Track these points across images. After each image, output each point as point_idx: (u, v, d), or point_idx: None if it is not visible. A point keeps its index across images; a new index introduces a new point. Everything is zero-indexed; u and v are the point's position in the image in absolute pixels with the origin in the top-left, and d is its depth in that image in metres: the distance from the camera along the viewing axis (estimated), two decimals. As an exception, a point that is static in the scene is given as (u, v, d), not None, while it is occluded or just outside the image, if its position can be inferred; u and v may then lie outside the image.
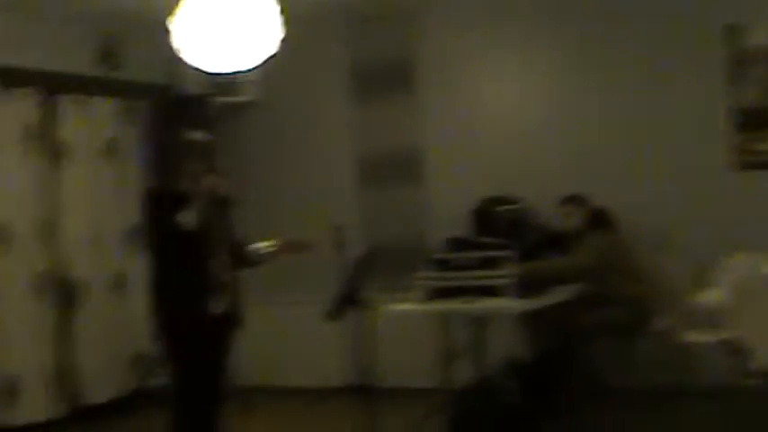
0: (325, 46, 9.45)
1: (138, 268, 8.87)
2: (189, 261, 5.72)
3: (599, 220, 7.80)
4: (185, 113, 8.73)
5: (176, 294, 5.74)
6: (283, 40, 6.12)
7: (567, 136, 8.51)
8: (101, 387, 8.69)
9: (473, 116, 8.87)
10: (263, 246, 6.05)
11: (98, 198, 8.86)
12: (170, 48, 5.94)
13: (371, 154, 9.27)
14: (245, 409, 8.61)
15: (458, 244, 7.49)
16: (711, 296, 7.27)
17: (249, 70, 7.68)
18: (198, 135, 5.95)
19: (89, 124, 8.82)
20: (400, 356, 8.39)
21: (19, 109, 8.21)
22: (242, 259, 6.08)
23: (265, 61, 6.60)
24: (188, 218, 5.61)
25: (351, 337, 8.53)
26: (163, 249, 5.80)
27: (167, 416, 5.88)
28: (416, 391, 8.37)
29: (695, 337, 7.45)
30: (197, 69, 8.47)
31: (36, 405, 8.09)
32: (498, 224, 8.12)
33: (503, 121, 8.75)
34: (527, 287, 6.92)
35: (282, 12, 5.82)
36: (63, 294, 8.54)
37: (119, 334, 8.94)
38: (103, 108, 8.96)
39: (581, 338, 7.45)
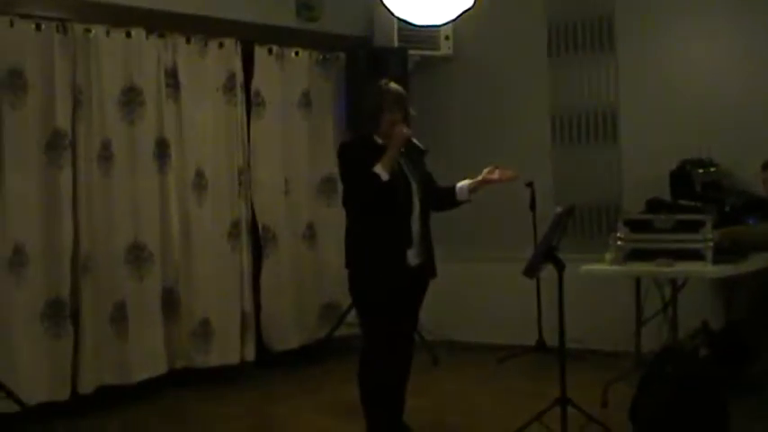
0: (521, 1, 9.34)
1: (329, 219, 9.00)
2: (386, 212, 5.76)
3: (803, 187, 7.51)
4: (382, 66, 8.73)
5: (374, 246, 5.79)
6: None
7: (768, 99, 8.22)
8: (290, 334, 8.83)
9: (671, 76, 8.64)
10: (466, 183, 6.03)
11: (291, 149, 8.95)
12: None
13: (566, 110, 9.13)
14: (433, 362, 8.66)
15: (655, 205, 7.32)
16: None
17: (446, 24, 7.68)
18: (394, 87, 5.96)
19: (285, 75, 8.91)
20: (590, 317, 8.29)
21: (219, 59, 8.35)
22: (445, 201, 6.10)
23: (462, 15, 6.56)
24: (384, 169, 5.65)
25: (542, 296, 8.55)
26: (360, 201, 5.85)
27: (356, 365, 5.94)
28: (605, 353, 8.28)
29: None
30: (397, 21, 8.57)
31: (228, 349, 8.27)
32: (696, 187, 7.91)
33: (702, 81, 8.50)
34: (725, 252, 6.71)
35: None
36: (255, 242, 8.67)
37: (308, 283, 9.05)
38: (299, 60, 9.04)
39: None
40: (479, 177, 6.02)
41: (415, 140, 5.85)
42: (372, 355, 5.89)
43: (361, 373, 5.93)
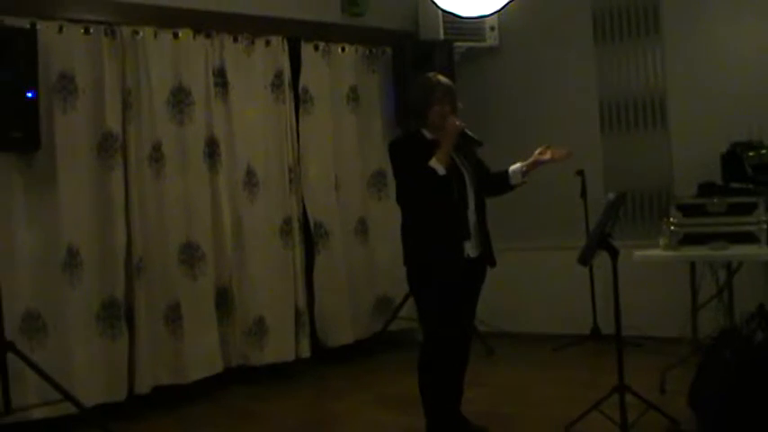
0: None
1: (380, 214, 9.02)
2: (442, 206, 5.75)
3: None
4: (428, 59, 8.74)
5: (432, 241, 5.78)
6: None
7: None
8: (344, 330, 8.83)
9: (718, 58, 8.56)
10: (518, 166, 6.02)
11: (340, 144, 8.97)
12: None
13: (615, 97, 9.08)
14: (487, 353, 8.65)
15: (707, 189, 7.27)
16: None
17: (491, 15, 7.66)
18: (443, 79, 5.96)
19: (332, 71, 8.92)
20: (645, 304, 8.25)
21: (266, 57, 8.38)
22: (499, 186, 6.09)
23: (507, 5, 6.54)
24: (440, 163, 5.65)
25: (596, 284, 8.52)
26: (416, 197, 5.82)
27: (411, 358, 5.95)
28: (661, 339, 8.25)
29: None
30: (442, 14, 8.56)
31: (283, 346, 8.29)
32: (747, 170, 7.83)
33: (750, 63, 8.42)
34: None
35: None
36: (307, 239, 8.69)
37: (361, 279, 9.06)
38: (346, 55, 9.04)
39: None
40: (531, 159, 6.00)
41: (468, 132, 5.84)
42: (432, 347, 5.88)
43: (421, 366, 5.92)
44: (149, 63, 7.55)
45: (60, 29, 7.07)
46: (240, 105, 8.16)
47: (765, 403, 5.61)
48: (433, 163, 5.66)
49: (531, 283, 9.37)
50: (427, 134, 5.88)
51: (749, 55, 8.42)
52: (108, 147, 7.27)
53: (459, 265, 5.79)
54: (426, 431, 5.94)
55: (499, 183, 6.06)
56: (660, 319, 8.33)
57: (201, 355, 7.75)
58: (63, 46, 7.09)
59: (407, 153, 5.85)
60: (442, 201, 5.74)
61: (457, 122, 5.77)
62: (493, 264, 6.04)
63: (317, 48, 8.78)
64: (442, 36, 9.17)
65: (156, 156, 7.57)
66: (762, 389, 5.64)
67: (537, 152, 6.00)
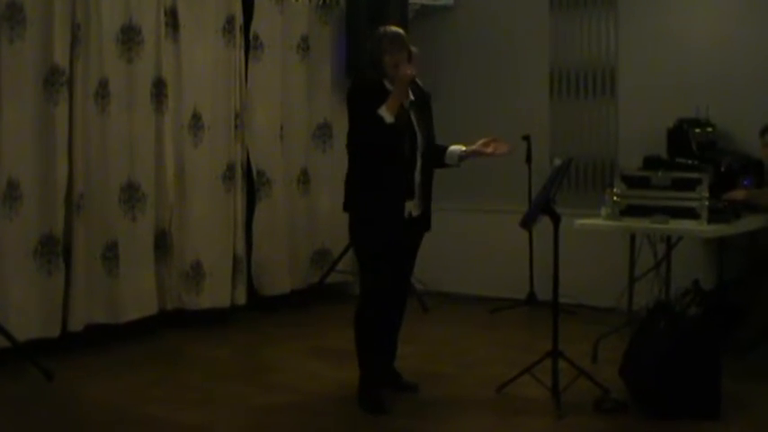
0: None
1: (323, 166, 9.01)
2: (389, 161, 5.75)
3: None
4: (382, 13, 8.68)
5: (375, 194, 5.79)
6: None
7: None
8: (281, 279, 8.82)
9: (671, 33, 8.59)
10: (458, 149, 6.03)
11: (288, 93, 8.91)
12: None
13: (566, 64, 9.09)
14: (423, 311, 8.68)
15: (652, 162, 7.32)
16: None
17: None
18: (392, 29, 5.96)
19: (284, 19, 8.83)
20: (583, 273, 8.31)
21: (219, 0, 8.27)
22: (437, 160, 6.08)
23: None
24: (389, 111, 5.64)
25: (535, 250, 8.56)
26: (363, 144, 5.82)
27: (346, 311, 5.97)
28: (596, 308, 8.34)
29: None
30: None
31: (219, 291, 8.27)
32: (692, 146, 7.91)
33: (701, 41, 8.46)
34: (719, 212, 6.72)
35: None
36: (249, 186, 8.65)
37: (300, 229, 9.05)
38: (299, 4, 8.96)
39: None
40: (473, 147, 6.07)
41: (419, 81, 5.84)
42: (369, 300, 5.92)
43: (358, 319, 5.96)
44: (100, -2, 7.44)
45: (11, -43, 6.93)
46: (190, 48, 8.07)
47: (694, 376, 5.70)
48: (382, 111, 5.64)
49: (471, 245, 9.39)
50: (387, 85, 5.86)
51: (702, 32, 8.45)
52: (54, 81, 7.13)
53: (400, 220, 5.81)
54: (360, 384, 5.98)
55: (434, 156, 6.07)
56: (596, 288, 8.39)
57: (137, 295, 7.71)
58: (13, -25, 6.96)
59: (365, 99, 5.81)
60: (389, 155, 5.74)
61: (408, 71, 5.76)
62: (428, 228, 6.09)
63: (270, -5, 8.71)
64: (397, -8, 9.13)
65: (103, 92, 7.46)
66: (693, 363, 5.72)
67: (480, 142, 6.05)
